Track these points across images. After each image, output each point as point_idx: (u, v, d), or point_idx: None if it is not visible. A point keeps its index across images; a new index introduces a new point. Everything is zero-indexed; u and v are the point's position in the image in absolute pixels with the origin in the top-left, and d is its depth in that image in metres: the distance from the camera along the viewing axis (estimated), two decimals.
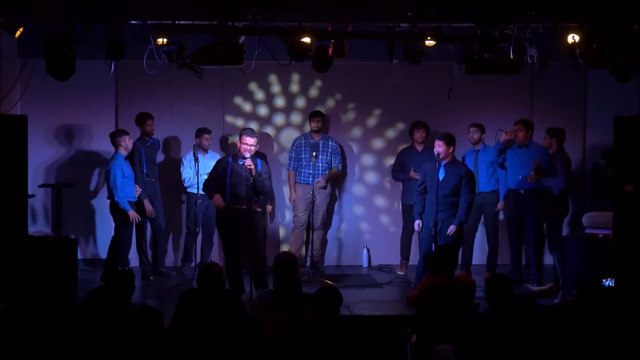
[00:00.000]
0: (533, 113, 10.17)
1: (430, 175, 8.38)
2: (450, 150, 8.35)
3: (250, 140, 8.45)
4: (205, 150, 9.66)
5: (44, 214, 10.01)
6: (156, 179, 9.66)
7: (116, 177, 8.96)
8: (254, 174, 8.39)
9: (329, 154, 9.91)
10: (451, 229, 8.26)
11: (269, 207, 10.05)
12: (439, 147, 8.29)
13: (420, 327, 6.44)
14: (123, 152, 9.10)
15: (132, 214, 9.03)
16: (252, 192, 8.46)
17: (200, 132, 9.69)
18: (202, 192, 9.16)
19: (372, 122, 10.51)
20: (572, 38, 7.92)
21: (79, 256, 8.59)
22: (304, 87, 10.46)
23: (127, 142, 9.11)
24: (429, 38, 8.07)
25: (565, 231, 9.43)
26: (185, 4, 7.53)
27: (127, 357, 5.51)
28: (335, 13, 8.04)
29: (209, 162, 9.44)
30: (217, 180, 8.48)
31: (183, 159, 9.78)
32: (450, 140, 8.37)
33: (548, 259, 9.44)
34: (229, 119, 10.36)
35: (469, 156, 9.52)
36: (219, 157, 9.58)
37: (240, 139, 8.54)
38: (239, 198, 8.46)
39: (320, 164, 9.81)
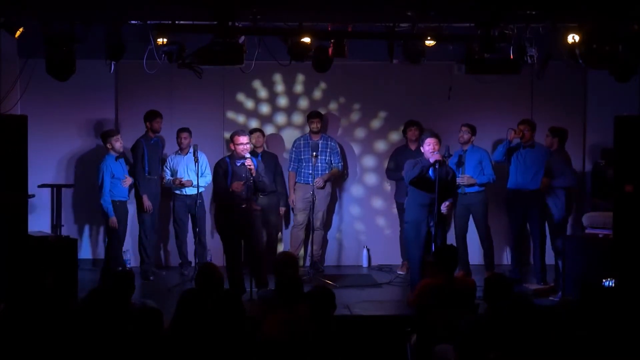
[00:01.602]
0: (533, 113, 10.17)
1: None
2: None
3: (244, 139, 8.53)
4: (182, 150, 9.69)
5: (44, 214, 10.00)
6: (159, 177, 9.68)
7: (104, 179, 8.99)
8: (254, 174, 8.40)
9: (328, 154, 9.92)
10: (445, 204, 8.21)
11: (282, 209, 10.04)
12: (436, 145, 8.23)
13: (420, 327, 6.43)
14: (112, 152, 9.13)
15: (112, 220, 9.06)
16: (252, 192, 8.47)
17: (177, 132, 9.75)
18: (201, 191, 9.27)
19: (374, 123, 10.51)
20: (572, 38, 7.91)
21: (79, 256, 8.58)
22: (306, 88, 10.45)
23: (113, 143, 9.13)
24: (429, 38, 8.07)
25: (567, 231, 9.43)
26: (185, 4, 7.52)
27: (126, 357, 5.51)
28: (335, 13, 8.04)
29: (189, 162, 9.48)
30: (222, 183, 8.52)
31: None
32: (439, 139, 8.37)
33: (549, 259, 9.41)
34: (230, 115, 10.37)
35: (456, 156, 9.49)
36: (204, 156, 9.63)
37: (233, 141, 8.55)
38: (239, 198, 8.47)
39: (320, 164, 9.82)
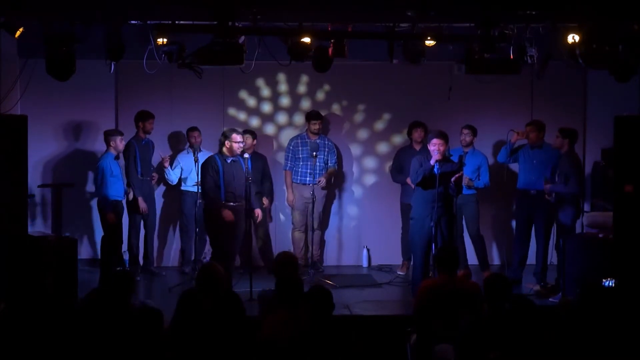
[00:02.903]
0: (533, 113, 10.17)
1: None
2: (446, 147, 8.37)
3: (240, 138, 8.64)
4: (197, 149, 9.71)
5: (44, 214, 10.01)
6: (150, 178, 9.67)
7: (104, 176, 8.98)
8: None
9: (326, 154, 9.91)
10: (455, 177, 8.20)
11: (265, 200, 9.99)
12: (441, 146, 8.22)
13: (420, 327, 6.43)
14: (112, 151, 9.14)
15: (110, 216, 9.03)
16: (248, 191, 8.59)
17: (187, 132, 9.82)
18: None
19: (375, 124, 10.50)
20: (572, 38, 7.91)
21: (79, 256, 8.58)
22: (309, 88, 10.44)
23: (117, 143, 9.13)
24: (429, 38, 8.08)
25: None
26: (185, 4, 7.53)
27: (127, 357, 5.51)
28: (335, 13, 8.04)
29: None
30: (214, 182, 8.53)
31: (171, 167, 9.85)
32: (447, 138, 8.38)
33: (552, 259, 9.40)
34: (231, 112, 10.36)
35: (455, 156, 9.48)
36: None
37: (229, 139, 8.57)
38: (234, 196, 8.53)
39: (318, 164, 9.80)
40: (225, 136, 8.62)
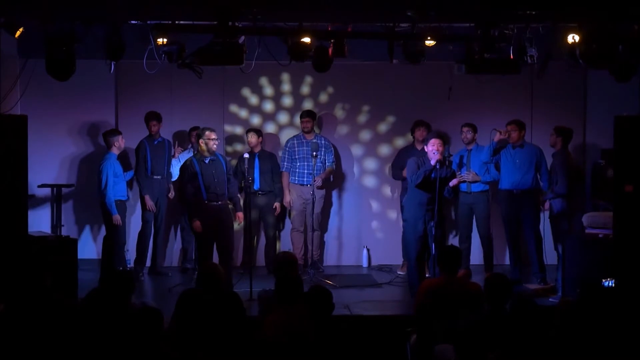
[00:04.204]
0: (533, 113, 10.18)
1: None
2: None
3: (214, 135, 8.64)
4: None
5: (44, 214, 10.01)
6: (163, 177, 9.67)
7: (108, 177, 8.99)
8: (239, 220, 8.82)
9: (323, 153, 9.90)
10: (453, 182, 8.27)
11: (276, 205, 9.99)
12: (440, 146, 8.24)
13: (420, 327, 6.43)
14: (115, 151, 9.17)
15: (116, 218, 9.04)
16: (226, 189, 8.63)
17: (189, 131, 9.84)
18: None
19: (377, 126, 10.51)
20: (572, 38, 7.92)
21: (79, 256, 8.59)
22: (307, 88, 10.45)
23: (120, 142, 9.18)
24: (429, 38, 8.08)
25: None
26: (185, 4, 7.53)
27: (126, 357, 5.50)
28: (335, 13, 8.04)
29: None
30: (193, 185, 8.54)
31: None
32: (445, 139, 8.39)
33: (551, 259, 9.39)
34: (232, 110, 10.37)
35: (457, 157, 9.50)
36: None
37: (203, 138, 8.58)
38: (217, 195, 8.56)
39: (317, 164, 9.79)
40: (200, 135, 8.65)
